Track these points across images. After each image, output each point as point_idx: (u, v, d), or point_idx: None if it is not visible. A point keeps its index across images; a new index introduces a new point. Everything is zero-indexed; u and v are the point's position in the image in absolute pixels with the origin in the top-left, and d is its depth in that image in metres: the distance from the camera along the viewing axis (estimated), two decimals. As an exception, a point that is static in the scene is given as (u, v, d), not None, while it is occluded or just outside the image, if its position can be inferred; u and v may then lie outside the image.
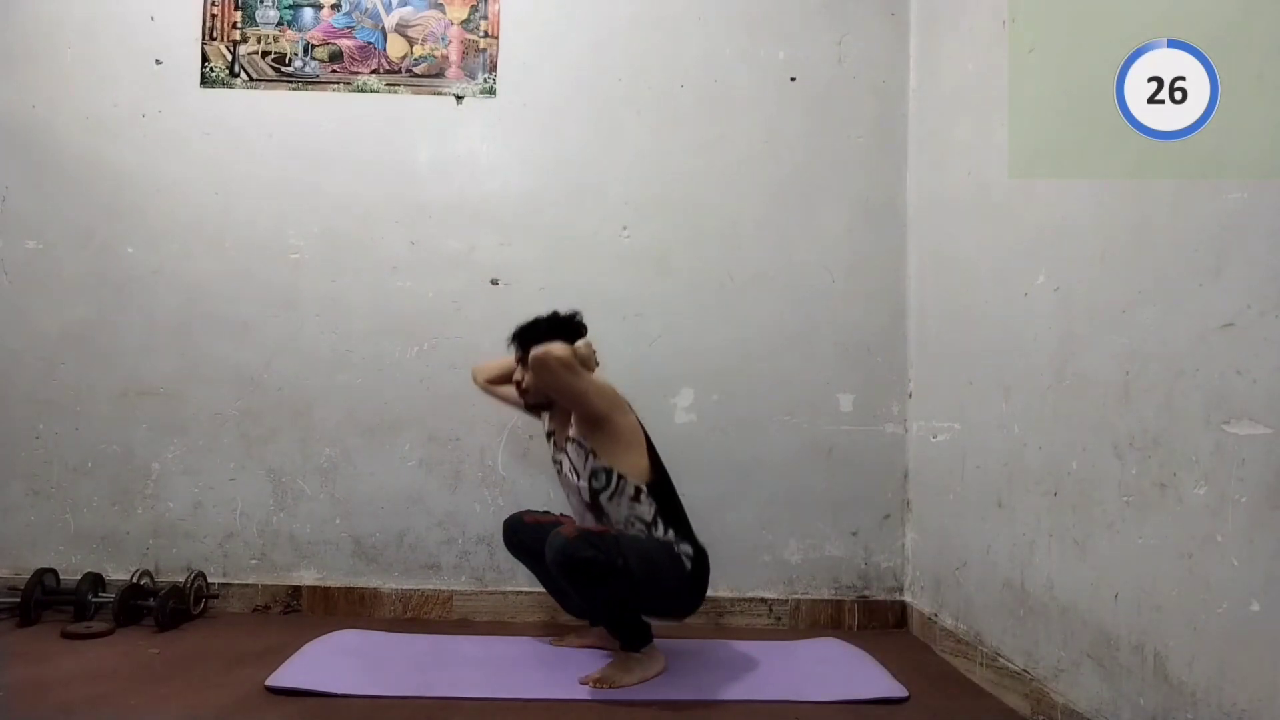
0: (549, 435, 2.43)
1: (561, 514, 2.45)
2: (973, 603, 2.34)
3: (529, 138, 2.86)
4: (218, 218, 2.82)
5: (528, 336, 2.30)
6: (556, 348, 2.13)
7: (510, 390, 2.45)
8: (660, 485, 2.22)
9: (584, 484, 2.21)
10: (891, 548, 2.84)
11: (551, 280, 2.83)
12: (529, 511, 2.51)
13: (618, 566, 2.03)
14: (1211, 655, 1.46)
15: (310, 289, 2.83)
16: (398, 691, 2.03)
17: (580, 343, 2.25)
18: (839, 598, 2.81)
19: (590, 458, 2.20)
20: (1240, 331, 1.42)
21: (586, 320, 2.34)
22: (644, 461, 2.21)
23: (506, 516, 2.51)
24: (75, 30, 2.83)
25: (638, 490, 2.18)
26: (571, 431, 2.25)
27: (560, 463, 2.33)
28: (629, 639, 2.20)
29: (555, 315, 2.32)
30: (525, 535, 2.40)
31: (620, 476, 2.18)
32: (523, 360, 2.31)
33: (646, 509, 2.18)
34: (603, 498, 2.19)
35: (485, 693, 2.05)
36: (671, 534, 2.18)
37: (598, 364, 2.28)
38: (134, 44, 2.83)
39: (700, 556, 2.20)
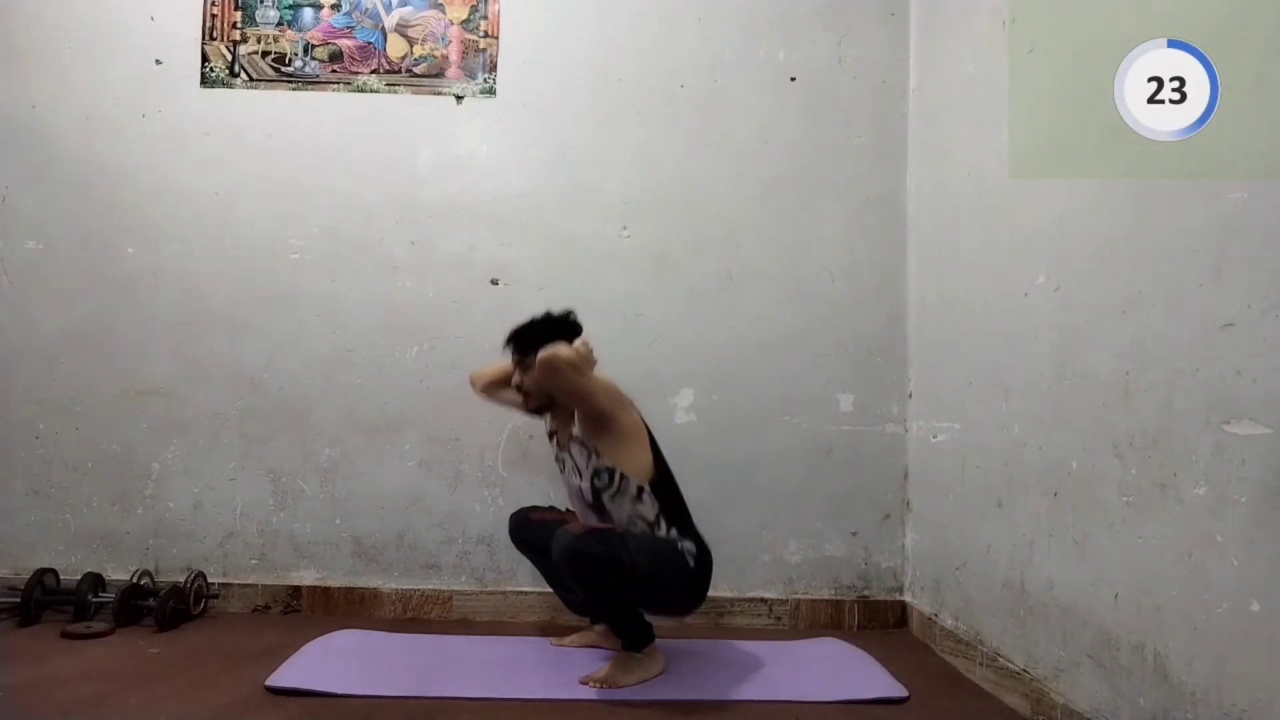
0: (551, 435, 2.42)
1: (567, 509, 2.45)
2: (973, 603, 2.34)
3: (529, 138, 2.86)
4: (218, 218, 2.82)
5: (524, 339, 2.29)
6: (564, 349, 2.13)
7: (511, 394, 2.42)
8: (663, 483, 2.21)
9: (586, 484, 2.21)
10: (891, 548, 2.84)
11: (551, 280, 2.83)
12: (535, 508, 2.51)
13: (623, 563, 2.02)
14: (1211, 655, 1.46)
15: (310, 289, 2.83)
16: (398, 691, 2.03)
17: (577, 341, 2.24)
18: (839, 598, 2.81)
19: (594, 457, 2.19)
20: (1240, 331, 1.42)
21: (586, 320, 2.33)
22: (647, 459, 2.20)
23: (512, 512, 2.51)
24: (75, 30, 2.83)
25: (640, 489, 2.17)
26: (575, 430, 2.24)
27: (563, 462, 2.33)
28: (631, 638, 2.20)
29: (549, 315, 2.30)
30: (531, 531, 2.40)
31: (623, 476, 2.17)
32: (520, 363, 2.30)
33: (649, 508, 2.17)
34: (605, 497, 2.18)
35: (485, 693, 2.05)
36: (674, 532, 2.17)
37: (595, 361, 2.28)
38: (134, 44, 2.83)
39: (703, 553, 2.20)
